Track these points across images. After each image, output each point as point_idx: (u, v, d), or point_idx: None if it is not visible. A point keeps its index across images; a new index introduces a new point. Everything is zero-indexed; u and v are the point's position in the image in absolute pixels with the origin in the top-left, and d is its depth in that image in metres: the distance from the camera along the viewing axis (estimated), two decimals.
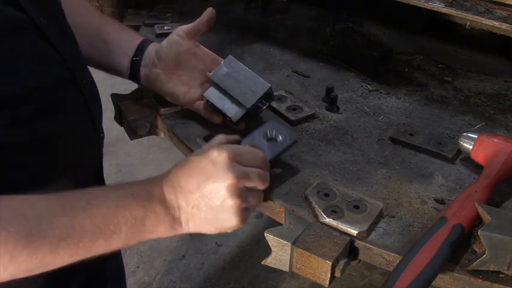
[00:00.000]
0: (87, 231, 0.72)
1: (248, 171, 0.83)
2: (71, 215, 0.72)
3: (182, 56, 1.09)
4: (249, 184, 0.83)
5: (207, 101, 1.07)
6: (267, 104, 1.09)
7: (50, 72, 0.84)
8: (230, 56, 1.07)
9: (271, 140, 0.98)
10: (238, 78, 1.05)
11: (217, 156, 0.81)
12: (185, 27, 1.10)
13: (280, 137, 0.98)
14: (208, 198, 0.80)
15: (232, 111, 1.05)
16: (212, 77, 1.06)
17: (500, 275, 0.82)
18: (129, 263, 2.44)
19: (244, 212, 0.83)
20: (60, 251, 0.71)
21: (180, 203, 0.80)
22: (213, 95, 1.05)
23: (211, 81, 1.07)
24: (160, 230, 0.80)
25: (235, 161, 0.83)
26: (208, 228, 0.83)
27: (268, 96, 1.08)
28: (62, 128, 0.86)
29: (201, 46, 1.12)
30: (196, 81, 1.11)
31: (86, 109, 0.94)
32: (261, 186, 0.86)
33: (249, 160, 0.86)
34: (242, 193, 0.81)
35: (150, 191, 0.80)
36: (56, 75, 0.85)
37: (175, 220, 0.81)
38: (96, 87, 1.03)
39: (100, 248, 0.75)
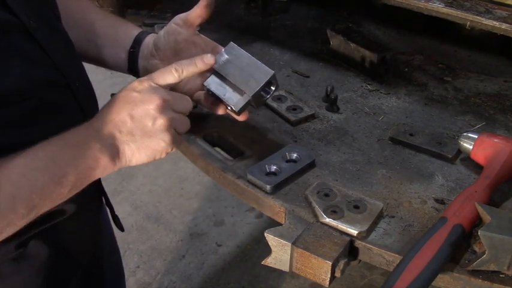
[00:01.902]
0: (36, 181, 0.76)
1: (171, 93, 0.89)
2: (16, 171, 0.75)
3: (181, 44, 1.05)
4: (173, 105, 0.88)
5: (208, 90, 1.00)
6: (272, 92, 1.02)
7: (39, 74, 0.84)
8: (231, 43, 1.01)
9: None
10: (240, 65, 0.98)
11: (138, 85, 0.87)
12: (183, 15, 1.06)
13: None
14: (139, 122, 0.84)
15: (234, 99, 0.98)
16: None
17: (500, 275, 0.82)
18: (129, 263, 2.44)
19: (175, 134, 0.87)
20: (18, 206, 0.74)
21: (115, 134, 0.84)
22: (213, 83, 1.00)
23: (212, 69, 1.01)
24: (102, 162, 0.83)
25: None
26: (145, 154, 0.86)
27: (272, 83, 1.01)
28: (55, 131, 0.86)
29: (201, 34, 1.08)
30: None
31: (80, 111, 0.94)
32: (185, 109, 0.91)
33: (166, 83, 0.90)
34: (170, 114, 0.86)
35: (83, 132, 0.84)
36: (45, 77, 0.85)
37: (113, 151, 0.84)
38: (92, 89, 1.02)
39: (54, 194, 0.79)
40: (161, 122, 0.85)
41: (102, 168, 0.83)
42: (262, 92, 1.00)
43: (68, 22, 1.01)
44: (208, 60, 0.92)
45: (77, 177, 0.80)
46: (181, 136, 0.91)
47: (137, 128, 0.84)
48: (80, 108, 0.93)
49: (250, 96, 0.97)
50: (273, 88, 1.02)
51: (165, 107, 0.86)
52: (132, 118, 0.84)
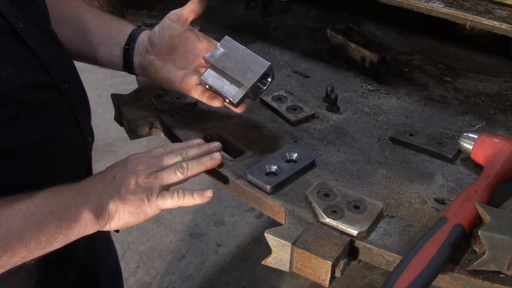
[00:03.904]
0: (15, 224, 0.75)
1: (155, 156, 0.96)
2: None
3: (175, 40, 1.05)
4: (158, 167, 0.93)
5: (205, 84, 1.01)
6: (268, 84, 1.03)
7: (28, 76, 0.83)
8: (227, 37, 1.02)
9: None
10: (237, 58, 0.99)
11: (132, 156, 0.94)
12: (177, 10, 1.07)
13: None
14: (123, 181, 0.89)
15: (232, 91, 0.99)
16: (209, 58, 1.01)
17: (500, 275, 0.82)
18: (129, 263, 2.44)
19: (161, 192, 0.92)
20: None
21: (100, 192, 0.86)
22: (210, 77, 1.00)
23: (208, 63, 1.02)
24: (85, 216, 0.83)
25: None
26: (129, 211, 0.89)
27: (268, 75, 1.01)
28: (44, 132, 0.86)
29: (195, 30, 1.08)
30: (192, 66, 1.07)
31: (70, 113, 0.93)
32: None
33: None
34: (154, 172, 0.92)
35: (70, 186, 0.85)
36: (34, 79, 0.85)
37: (97, 208, 0.85)
38: (83, 91, 1.02)
39: (31, 239, 0.77)
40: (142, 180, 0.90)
41: (85, 222, 0.83)
42: (259, 84, 1.00)
43: (61, 22, 1.00)
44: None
45: (57, 226, 0.80)
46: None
47: (122, 186, 0.88)
48: (70, 109, 0.93)
49: (248, 88, 0.98)
50: (269, 79, 1.02)
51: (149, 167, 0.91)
52: (114, 177, 0.89)
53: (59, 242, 0.82)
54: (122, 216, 0.87)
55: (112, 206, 0.86)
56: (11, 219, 0.74)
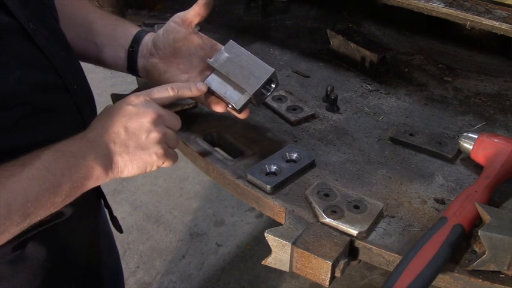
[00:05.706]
0: (31, 190, 0.76)
1: (164, 109, 0.92)
2: (13, 180, 0.75)
3: (179, 43, 1.05)
4: (166, 120, 0.91)
5: (209, 88, 1.00)
6: (272, 90, 1.02)
7: (38, 77, 0.83)
8: (231, 41, 1.01)
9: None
10: (240, 63, 0.99)
11: (134, 99, 0.89)
12: (182, 13, 1.06)
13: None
14: (134, 135, 0.87)
15: (234, 98, 0.99)
16: (212, 63, 1.01)
17: (500, 275, 0.82)
18: (129, 263, 2.44)
19: (166, 148, 0.90)
20: (13, 214, 0.74)
21: (109, 145, 0.85)
22: (214, 82, 1.00)
23: (212, 68, 1.02)
24: (96, 173, 0.84)
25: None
26: (137, 165, 0.88)
27: (272, 81, 1.01)
28: (52, 133, 0.86)
29: (200, 33, 1.08)
30: (195, 69, 1.06)
31: (78, 114, 0.93)
32: (175, 125, 0.93)
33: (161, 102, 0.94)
34: (163, 128, 0.89)
35: (78, 142, 0.84)
36: (43, 80, 0.85)
37: (106, 161, 0.85)
38: (90, 92, 1.01)
39: (48, 203, 0.79)
40: (155, 135, 0.87)
41: (95, 178, 0.84)
42: (262, 90, 1.00)
43: (66, 22, 1.00)
44: (201, 88, 0.97)
45: (71, 187, 0.81)
46: (174, 151, 0.93)
47: (131, 140, 0.86)
48: (78, 110, 0.93)
49: (251, 95, 0.98)
50: (273, 86, 1.02)
51: (158, 122, 0.88)
52: (127, 130, 0.86)
53: (74, 197, 0.83)
54: (130, 170, 0.88)
55: (121, 162, 0.86)
56: (26, 187, 0.75)
